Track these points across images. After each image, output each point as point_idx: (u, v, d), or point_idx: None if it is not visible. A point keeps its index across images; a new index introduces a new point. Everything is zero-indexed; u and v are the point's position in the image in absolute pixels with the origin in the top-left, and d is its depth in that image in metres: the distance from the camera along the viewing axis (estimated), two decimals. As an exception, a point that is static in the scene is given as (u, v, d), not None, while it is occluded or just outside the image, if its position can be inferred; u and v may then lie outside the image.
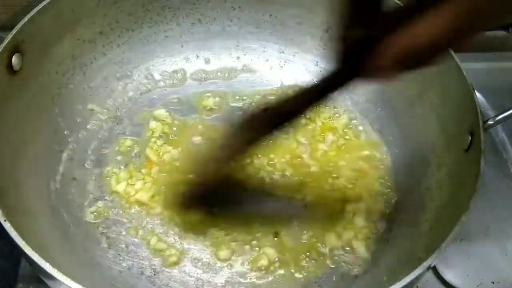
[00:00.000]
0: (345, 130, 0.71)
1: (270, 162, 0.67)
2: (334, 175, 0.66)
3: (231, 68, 0.76)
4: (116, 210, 0.63)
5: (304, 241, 0.61)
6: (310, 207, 0.64)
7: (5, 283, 0.59)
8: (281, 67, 0.76)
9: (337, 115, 0.72)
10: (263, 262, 0.59)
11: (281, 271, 0.59)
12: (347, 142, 0.70)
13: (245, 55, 0.77)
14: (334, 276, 0.59)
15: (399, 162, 0.67)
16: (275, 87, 0.76)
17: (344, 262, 0.60)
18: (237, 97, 0.74)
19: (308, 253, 0.60)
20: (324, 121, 0.72)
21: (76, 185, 0.64)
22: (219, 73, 0.76)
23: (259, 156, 0.67)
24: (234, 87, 0.75)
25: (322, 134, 0.70)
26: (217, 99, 0.73)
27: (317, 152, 0.68)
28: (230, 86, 0.75)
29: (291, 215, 0.63)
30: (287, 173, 0.66)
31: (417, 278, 0.46)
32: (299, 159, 0.68)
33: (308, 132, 0.70)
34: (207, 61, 0.76)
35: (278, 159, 0.67)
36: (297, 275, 0.59)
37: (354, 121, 0.72)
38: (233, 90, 0.75)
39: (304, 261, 0.60)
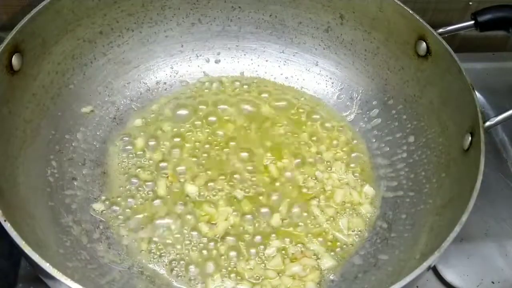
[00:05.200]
0: (346, 130, 0.71)
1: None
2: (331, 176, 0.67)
3: (231, 68, 0.76)
4: (116, 210, 0.63)
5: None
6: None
7: (5, 283, 0.59)
8: (281, 67, 0.76)
9: (336, 115, 0.73)
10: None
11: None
12: (345, 141, 0.70)
13: (245, 55, 0.77)
14: (334, 276, 0.59)
15: (399, 162, 0.67)
16: (275, 87, 0.76)
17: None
18: (237, 97, 0.74)
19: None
20: (324, 121, 0.72)
21: (76, 185, 0.64)
22: (219, 73, 0.76)
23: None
24: (234, 87, 0.75)
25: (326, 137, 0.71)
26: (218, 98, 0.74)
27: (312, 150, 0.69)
28: (230, 86, 0.75)
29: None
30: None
31: (417, 278, 0.46)
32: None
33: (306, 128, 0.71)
34: (207, 61, 0.76)
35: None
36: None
37: (353, 120, 0.72)
38: (232, 90, 0.75)
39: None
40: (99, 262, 0.58)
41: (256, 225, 0.62)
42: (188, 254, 0.60)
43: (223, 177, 0.66)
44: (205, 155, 0.68)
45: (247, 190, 0.65)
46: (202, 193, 0.64)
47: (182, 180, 0.65)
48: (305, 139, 0.70)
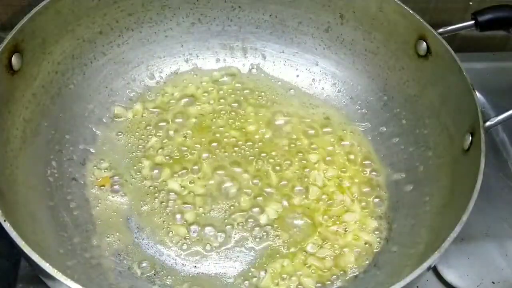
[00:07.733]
0: (344, 130, 0.71)
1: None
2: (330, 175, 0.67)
3: (231, 68, 0.76)
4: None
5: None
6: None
7: (5, 283, 0.59)
8: (281, 67, 0.76)
9: (336, 114, 0.73)
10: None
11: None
12: (344, 141, 0.70)
13: (245, 55, 0.77)
14: (334, 276, 0.59)
15: (399, 162, 0.67)
16: (275, 87, 0.76)
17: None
18: (237, 96, 0.74)
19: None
20: (323, 121, 0.72)
21: (76, 185, 0.64)
22: (219, 73, 0.76)
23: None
24: (234, 87, 0.75)
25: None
26: (218, 97, 0.74)
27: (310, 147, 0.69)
28: (230, 86, 0.75)
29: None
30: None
31: (417, 278, 0.46)
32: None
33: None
34: (207, 61, 0.76)
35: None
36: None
37: (353, 120, 0.72)
38: (233, 90, 0.75)
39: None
40: (99, 262, 0.58)
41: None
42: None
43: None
44: (207, 154, 0.68)
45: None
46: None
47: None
48: (304, 139, 0.70)
